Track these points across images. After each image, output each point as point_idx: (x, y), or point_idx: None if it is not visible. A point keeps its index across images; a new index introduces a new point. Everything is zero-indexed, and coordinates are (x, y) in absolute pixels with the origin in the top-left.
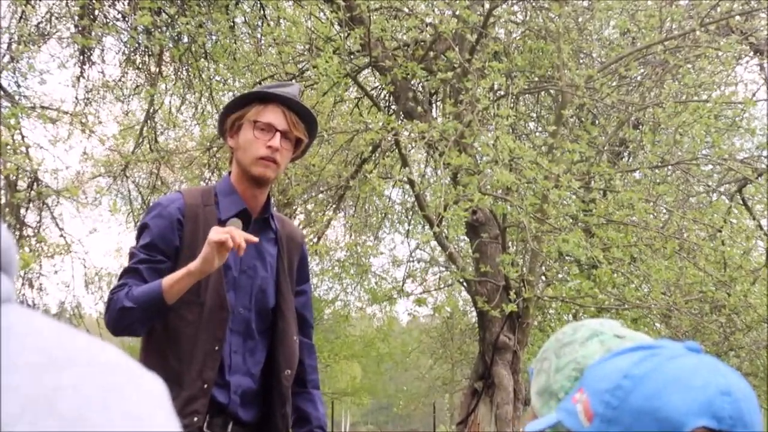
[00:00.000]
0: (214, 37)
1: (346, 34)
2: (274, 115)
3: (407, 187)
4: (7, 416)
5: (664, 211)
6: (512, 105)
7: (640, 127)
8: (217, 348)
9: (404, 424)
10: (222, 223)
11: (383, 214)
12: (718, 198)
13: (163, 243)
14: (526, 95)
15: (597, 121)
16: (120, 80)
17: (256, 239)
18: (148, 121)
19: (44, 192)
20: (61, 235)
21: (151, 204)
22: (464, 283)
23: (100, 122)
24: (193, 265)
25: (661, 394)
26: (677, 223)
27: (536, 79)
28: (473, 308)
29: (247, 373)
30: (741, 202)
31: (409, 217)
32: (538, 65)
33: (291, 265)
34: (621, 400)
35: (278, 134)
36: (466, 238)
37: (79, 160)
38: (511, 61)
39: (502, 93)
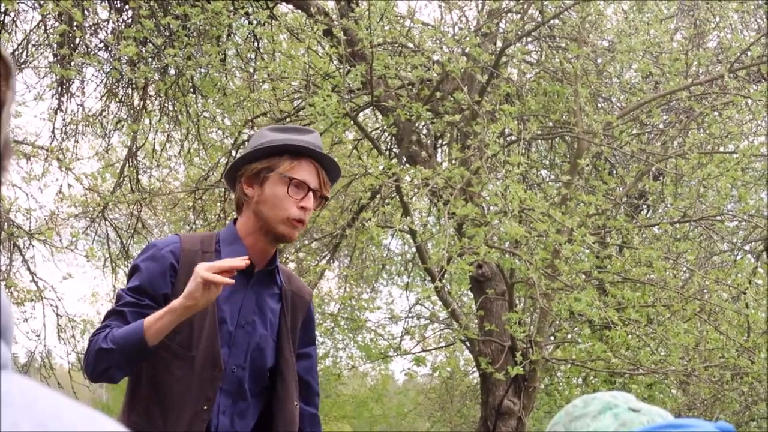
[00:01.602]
0: (203, 71)
1: (346, 71)
2: (308, 173)
3: (408, 237)
4: None
5: (685, 269)
6: (524, 152)
7: (661, 178)
8: (206, 408)
9: None
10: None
11: (381, 266)
12: (743, 257)
13: (151, 287)
14: (539, 141)
15: (615, 172)
16: (101, 114)
17: (244, 263)
18: (130, 159)
19: (16, 233)
20: (33, 281)
21: (143, 247)
22: (467, 343)
23: (78, 159)
24: (176, 302)
25: None
26: (698, 283)
27: (550, 124)
28: (475, 368)
29: None
30: None
31: (409, 270)
32: (553, 109)
33: (295, 324)
34: None
35: (311, 194)
36: (470, 293)
37: (54, 200)
38: (524, 104)
39: (514, 138)
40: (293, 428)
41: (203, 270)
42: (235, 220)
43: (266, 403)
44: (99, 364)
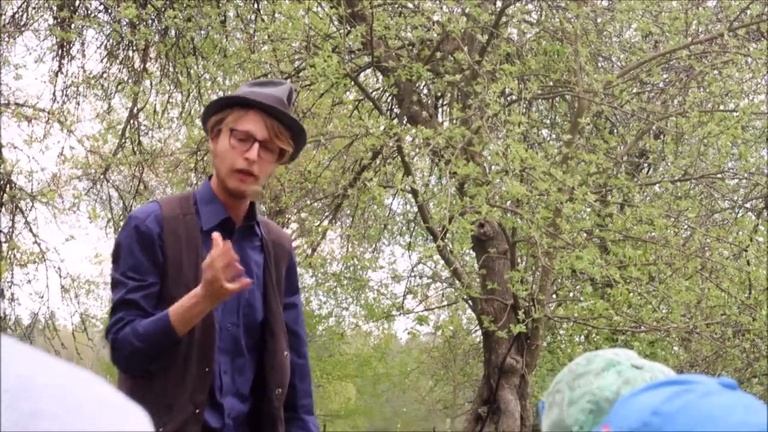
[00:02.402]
0: (203, 32)
1: (346, 32)
2: (253, 123)
3: (410, 197)
4: None
5: (686, 227)
6: (524, 111)
7: (662, 137)
8: (207, 369)
9: None
10: (204, 233)
11: (383, 226)
12: (744, 214)
13: (149, 264)
14: (540, 101)
15: (615, 130)
16: (101, 76)
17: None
18: (132, 121)
19: (18, 195)
20: (36, 242)
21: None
22: (469, 301)
23: (79, 121)
24: (201, 300)
25: None
26: (700, 241)
27: (551, 83)
28: (478, 327)
29: (237, 394)
30: None
31: (411, 229)
32: (553, 69)
33: (279, 274)
34: None
35: (257, 144)
36: (472, 252)
37: (56, 162)
38: (524, 63)
39: (514, 98)
40: (285, 379)
41: (218, 280)
42: (210, 176)
43: (259, 357)
44: (133, 362)
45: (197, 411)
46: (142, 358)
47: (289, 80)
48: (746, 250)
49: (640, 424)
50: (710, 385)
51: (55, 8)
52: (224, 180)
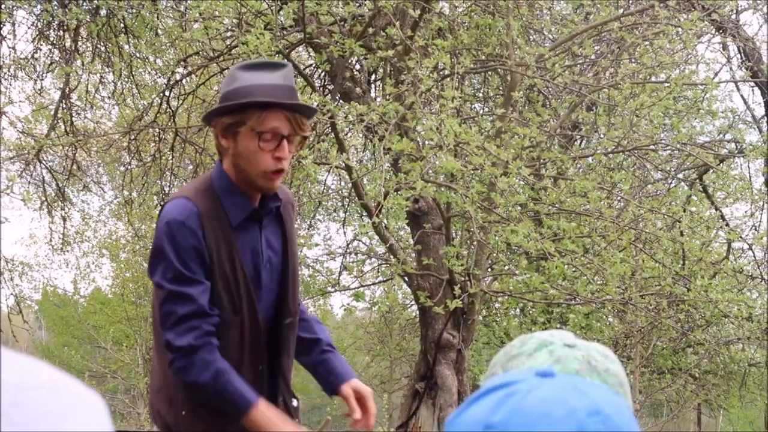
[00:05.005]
0: (134, 11)
1: (278, 8)
2: (276, 121)
3: (344, 173)
4: None
5: (620, 199)
6: (457, 86)
7: (595, 109)
8: (260, 368)
9: (339, 425)
10: (234, 230)
11: (318, 202)
12: (676, 185)
13: (199, 265)
14: (473, 75)
15: (548, 103)
16: (32, 57)
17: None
18: (64, 101)
19: None
20: None
21: (162, 224)
22: (405, 277)
23: (11, 102)
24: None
25: None
26: (633, 213)
27: (483, 57)
28: (414, 302)
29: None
30: (701, 189)
31: (346, 206)
32: (486, 43)
33: (293, 234)
34: None
35: (285, 141)
36: (407, 228)
37: None
38: (456, 38)
39: (447, 73)
40: (316, 325)
41: None
42: (221, 161)
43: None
44: (194, 390)
45: None
46: (203, 395)
47: (222, 58)
48: (679, 221)
49: None
50: (529, 379)
51: None
52: (254, 180)
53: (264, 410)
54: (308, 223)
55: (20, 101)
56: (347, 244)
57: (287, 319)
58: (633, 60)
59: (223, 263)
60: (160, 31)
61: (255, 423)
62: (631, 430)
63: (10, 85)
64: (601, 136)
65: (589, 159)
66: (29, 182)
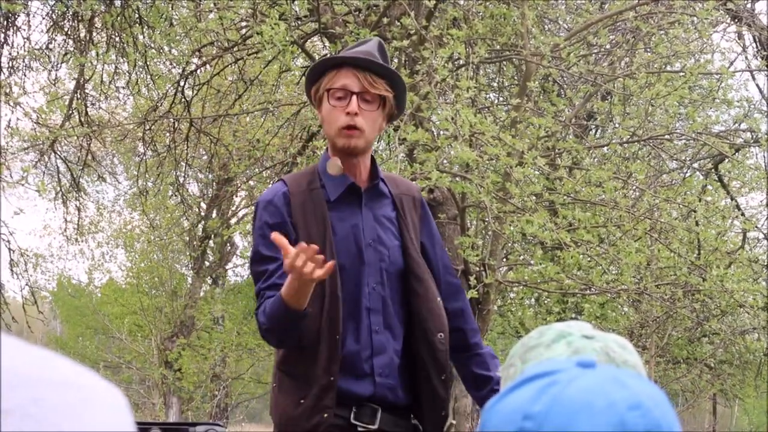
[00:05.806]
0: (149, 1)
1: None
2: (346, 78)
3: None
4: None
5: (635, 189)
6: (473, 76)
7: (610, 98)
8: (338, 337)
9: None
10: (332, 204)
11: None
12: (692, 175)
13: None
14: (488, 65)
15: (563, 93)
16: (47, 47)
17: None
18: (78, 92)
19: None
20: None
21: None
22: None
23: (26, 93)
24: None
25: (570, 428)
26: (649, 202)
27: (498, 47)
28: None
29: (391, 351)
30: (717, 179)
31: None
32: (501, 32)
33: (414, 225)
34: None
35: (354, 97)
36: None
37: (3, 135)
38: (471, 28)
39: (462, 63)
40: (444, 323)
41: (302, 276)
42: (327, 149)
43: (410, 307)
44: (269, 339)
45: (332, 379)
46: (273, 333)
47: (236, 49)
48: (695, 211)
49: None
50: (570, 370)
51: None
52: (334, 141)
53: (286, 291)
54: None
55: (35, 92)
56: None
57: (417, 298)
58: (648, 49)
59: (310, 236)
60: (174, 22)
61: (288, 296)
62: (670, 423)
63: (25, 75)
64: (617, 125)
65: (605, 149)
66: (44, 173)
